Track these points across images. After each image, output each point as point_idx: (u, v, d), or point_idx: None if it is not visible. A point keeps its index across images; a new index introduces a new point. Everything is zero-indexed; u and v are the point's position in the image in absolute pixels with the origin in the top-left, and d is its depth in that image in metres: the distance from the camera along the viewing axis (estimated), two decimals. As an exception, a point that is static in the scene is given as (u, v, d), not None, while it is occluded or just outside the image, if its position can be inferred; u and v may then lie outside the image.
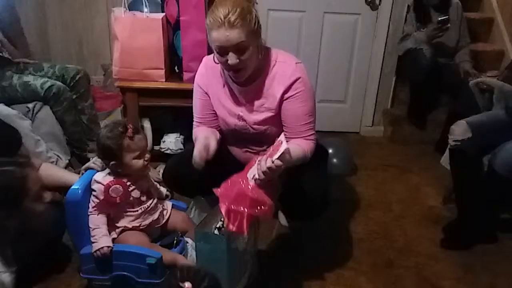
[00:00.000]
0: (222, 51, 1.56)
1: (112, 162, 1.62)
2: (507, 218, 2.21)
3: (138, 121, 2.55)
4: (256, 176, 1.49)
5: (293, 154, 1.60)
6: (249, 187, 1.48)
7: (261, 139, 1.78)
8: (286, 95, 1.68)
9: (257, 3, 1.65)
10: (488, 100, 2.27)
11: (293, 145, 1.63)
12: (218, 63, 1.68)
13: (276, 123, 1.74)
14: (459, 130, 2.07)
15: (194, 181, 1.76)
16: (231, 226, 1.47)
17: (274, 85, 1.69)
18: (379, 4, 3.03)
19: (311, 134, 1.72)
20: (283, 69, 1.68)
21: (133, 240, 1.66)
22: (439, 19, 2.83)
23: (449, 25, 2.84)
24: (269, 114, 1.72)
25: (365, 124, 3.35)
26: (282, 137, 1.59)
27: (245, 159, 1.78)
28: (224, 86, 1.76)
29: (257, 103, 1.73)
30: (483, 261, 2.02)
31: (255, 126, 1.76)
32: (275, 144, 1.58)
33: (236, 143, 1.88)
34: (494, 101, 2.22)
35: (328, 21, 3.07)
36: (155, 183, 1.90)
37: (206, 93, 1.81)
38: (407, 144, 3.13)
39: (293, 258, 1.94)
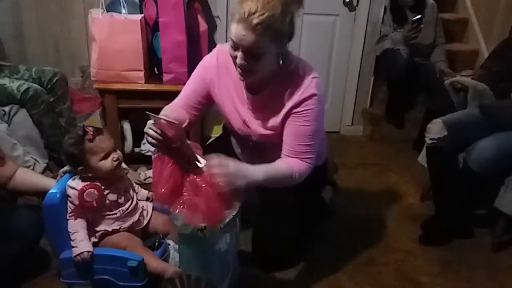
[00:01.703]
0: (235, 46, 1.44)
1: (79, 168, 1.60)
2: (482, 214, 2.26)
3: (117, 123, 2.53)
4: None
5: (277, 173, 1.53)
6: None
7: (263, 148, 1.69)
8: (294, 110, 1.55)
9: (303, 8, 1.50)
10: (462, 99, 2.32)
11: (281, 163, 1.57)
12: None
13: (281, 138, 1.63)
14: (435, 129, 2.12)
15: None
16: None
17: (285, 98, 1.56)
18: (357, 6, 3.07)
19: (309, 158, 1.58)
20: (298, 82, 1.55)
21: (124, 243, 1.64)
22: (413, 19, 2.89)
23: (422, 25, 2.90)
24: (274, 130, 1.62)
25: (345, 123, 3.39)
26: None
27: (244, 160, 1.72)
28: (234, 83, 1.64)
29: (264, 115, 1.62)
30: (460, 255, 2.07)
31: (258, 137, 1.67)
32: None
33: (239, 144, 1.83)
34: (469, 99, 2.27)
35: (307, 22, 3.10)
36: (136, 185, 1.89)
37: (205, 86, 1.69)
38: (386, 143, 3.18)
39: (287, 259, 1.94)
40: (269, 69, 1.52)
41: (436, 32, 3.14)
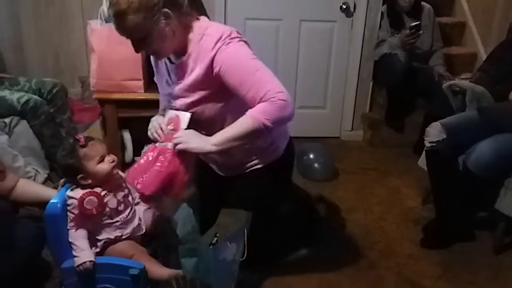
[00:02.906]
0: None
1: (78, 176, 1.61)
2: (483, 216, 2.26)
3: (117, 132, 2.54)
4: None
5: (239, 131, 1.44)
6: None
7: (200, 124, 1.58)
8: (214, 72, 1.47)
9: None
10: (461, 102, 2.33)
11: (241, 118, 1.45)
12: None
13: (210, 104, 1.55)
14: (434, 132, 2.12)
15: None
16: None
17: (198, 63, 1.50)
18: (354, 11, 3.09)
19: (268, 94, 1.39)
20: (207, 43, 1.47)
21: (131, 251, 1.65)
22: (411, 25, 2.91)
23: (421, 31, 2.92)
24: (197, 95, 1.55)
25: (344, 128, 3.40)
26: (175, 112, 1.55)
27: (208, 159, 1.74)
28: (164, 62, 1.63)
29: (184, 83, 1.56)
30: (462, 258, 2.07)
31: (185, 107, 1.59)
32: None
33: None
34: (467, 102, 2.28)
35: (305, 29, 3.12)
36: (136, 194, 1.89)
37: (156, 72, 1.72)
38: (386, 147, 3.18)
39: (275, 262, 1.95)
40: (168, 44, 1.49)
41: (433, 37, 3.16)
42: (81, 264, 1.56)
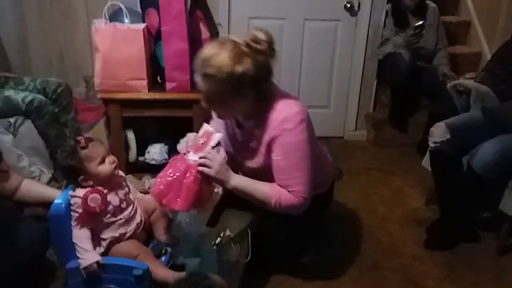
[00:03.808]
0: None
1: (80, 178, 1.61)
2: (488, 217, 2.25)
3: (121, 132, 2.55)
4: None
5: (255, 191, 1.62)
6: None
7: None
8: (272, 145, 1.61)
9: (274, 57, 1.58)
10: (465, 102, 2.32)
11: (267, 187, 1.63)
12: None
13: (265, 171, 1.67)
14: (438, 132, 2.12)
15: None
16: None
17: (266, 135, 1.62)
18: (358, 10, 3.08)
19: (296, 191, 1.61)
20: (274, 118, 1.60)
21: (136, 252, 1.66)
22: (416, 24, 2.89)
23: (424, 31, 2.90)
24: (258, 165, 1.68)
25: (348, 128, 3.39)
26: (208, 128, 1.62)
27: None
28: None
29: (249, 148, 1.69)
30: (466, 259, 2.07)
31: (245, 171, 1.74)
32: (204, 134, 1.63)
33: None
34: (471, 102, 2.27)
35: (309, 27, 3.11)
36: (141, 194, 1.90)
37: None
38: (390, 147, 3.17)
39: (279, 262, 1.95)
40: (236, 112, 1.63)
41: (438, 36, 3.14)
42: (87, 267, 1.57)
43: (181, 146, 1.68)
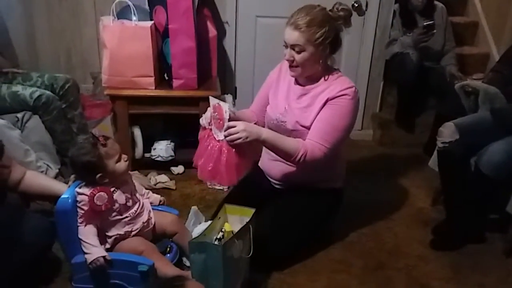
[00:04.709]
0: (285, 44, 1.81)
1: (98, 175, 1.61)
2: (494, 218, 2.23)
3: (128, 129, 2.55)
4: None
5: (284, 144, 1.76)
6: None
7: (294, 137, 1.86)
8: (329, 102, 1.81)
9: (350, 26, 1.88)
10: (473, 103, 2.30)
11: (294, 140, 1.80)
12: None
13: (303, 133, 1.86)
14: (447, 132, 2.10)
15: None
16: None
17: (324, 94, 1.83)
18: (366, 10, 3.07)
19: (324, 146, 1.78)
20: (339, 83, 1.83)
21: (141, 247, 1.66)
22: (425, 24, 2.88)
23: (435, 30, 2.89)
24: (307, 122, 1.84)
25: (354, 128, 3.33)
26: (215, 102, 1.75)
27: (269, 169, 2.02)
28: (289, 82, 1.95)
29: (304, 105, 1.87)
30: (472, 261, 2.05)
31: (293, 125, 1.88)
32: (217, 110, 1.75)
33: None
34: (480, 103, 2.26)
35: (316, 27, 3.09)
36: (146, 190, 1.91)
37: (268, 89, 2.02)
38: (396, 147, 3.16)
39: (284, 261, 1.94)
40: (310, 66, 1.82)
41: (446, 36, 3.13)
42: (94, 261, 1.57)
43: (203, 122, 1.83)
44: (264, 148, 2.02)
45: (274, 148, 1.79)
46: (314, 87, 1.87)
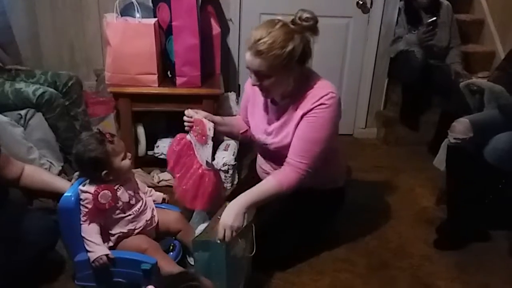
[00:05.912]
0: (249, 69, 1.67)
1: (104, 172, 1.61)
2: (500, 217, 2.22)
3: (131, 126, 2.55)
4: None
5: (267, 193, 1.68)
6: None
7: (280, 156, 1.78)
8: (304, 117, 1.70)
9: (313, 37, 1.70)
10: (479, 101, 2.28)
11: (271, 181, 1.70)
12: None
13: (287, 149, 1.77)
14: (461, 128, 2.06)
15: None
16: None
17: (299, 110, 1.72)
18: (371, 7, 3.05)
19: (303, 163, 1.69)
20: (313, 94, 1.70)
21: (145, 245, 1.67)
22: (428, 21, 2.86)
23: (437, 29, 2.87)
24: (288, 139, 1.75)
25: (358, 126, 3.36)
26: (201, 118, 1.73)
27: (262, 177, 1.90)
28: (264, 101, 1.86)
29: (282, 124, 1.78)
30: (476, 260, 2.04)
31: (275, 145, 1.81)
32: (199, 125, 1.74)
33: (261, 155, 1.98)
34: (485, 102, 2.24)
35: (320, 24, 3.00)
36: (149, 188, 1.90)
37: (246, 102, 1.95)
38: (400, 146, 3.14)
39: (287, 260, 1.94)
40: (280, 87, 1.70)
41: (451, 34, 3.11)
42: (96, 259, 1.57)
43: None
44: (257, 159, 2.03)
45: (262, 202, 1.70)
46: (289, 102, 1.75)
